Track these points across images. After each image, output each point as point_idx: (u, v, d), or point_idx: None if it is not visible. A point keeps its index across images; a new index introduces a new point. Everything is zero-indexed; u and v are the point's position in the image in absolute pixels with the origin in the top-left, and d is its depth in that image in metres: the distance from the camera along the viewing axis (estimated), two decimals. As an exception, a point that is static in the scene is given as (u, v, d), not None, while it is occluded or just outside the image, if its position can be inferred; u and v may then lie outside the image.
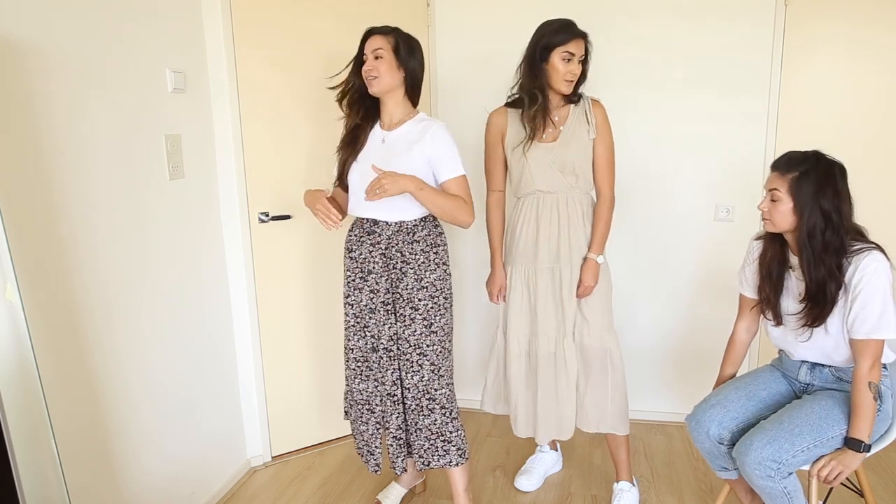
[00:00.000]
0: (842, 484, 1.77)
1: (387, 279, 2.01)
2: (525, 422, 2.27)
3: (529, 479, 2.46)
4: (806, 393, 1.87)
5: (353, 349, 2.09)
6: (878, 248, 1.67)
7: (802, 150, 1.74)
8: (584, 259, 2.15)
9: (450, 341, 2.06)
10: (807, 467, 1.72)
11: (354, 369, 2.11)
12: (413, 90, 2.00)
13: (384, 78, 1.92)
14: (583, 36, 2.06)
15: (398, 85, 1.96)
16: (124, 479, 1.92)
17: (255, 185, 2.44)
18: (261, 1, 2.33)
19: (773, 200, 1.73)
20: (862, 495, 1.90)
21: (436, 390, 2.02)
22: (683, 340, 2.92)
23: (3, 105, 1.49)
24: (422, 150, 1.93)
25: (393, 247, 1.99)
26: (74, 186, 1.71)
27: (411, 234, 1.98)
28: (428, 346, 2.00)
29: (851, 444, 1.66)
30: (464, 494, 2.16)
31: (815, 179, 1.66)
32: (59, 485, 1.39)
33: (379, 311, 2.03)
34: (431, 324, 2.00)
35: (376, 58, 1.92)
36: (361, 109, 2.04)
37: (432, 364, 2.01)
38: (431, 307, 1.99)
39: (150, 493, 2.02)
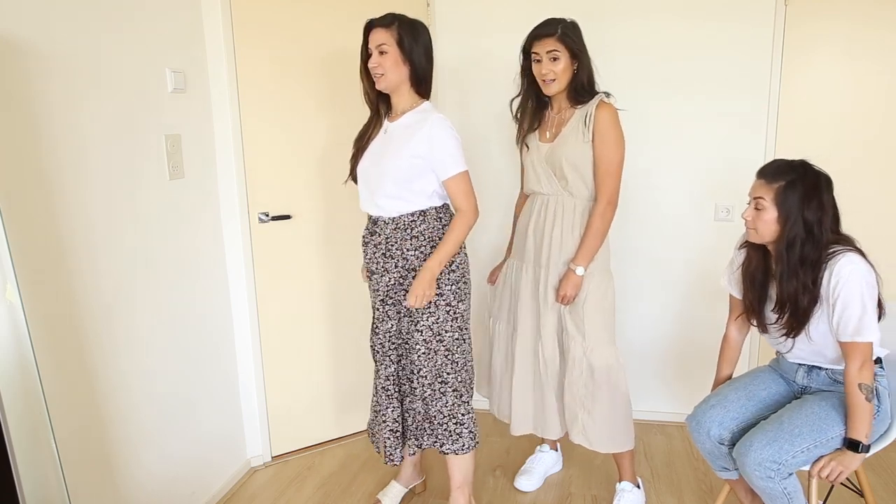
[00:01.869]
0: (842, 484, 1.77)
1: (388, 279, 2.01)
2: (502, 409, 2.32)
3: (529, 479, 2.46)
4: (805, 394, 1.87)
5: (370, 339, 2.15)
6: (856, 249, 1.67)
7: (789, 158, 1.74)
8: (566, 268, 2.11)
9: (466, 329, 2.05)
10: (807, 468, 1.72)
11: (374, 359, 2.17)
12: (419, 83, 1.94)
13: (390, 74, 1.89)
14: (549, 35, 1.99)
15: (404, 79, 1.92)
16: (124, 479, 1.92)
17: (255, 185, 2.44)
18: (261, 1, 2.33)
19: (757, 209, 1.72)
20: (862, 495, 1.90)
21: (448, 374, 2.03)
22: (683, 340, 2.92)
23: (3, 105, 1.49)
24: (413, 147, 1.89)
25: (392, 245, 1.98)
26: (74, 186, 1.70)
27: (409, 230, 1.97)
28: (447, 331, 2.00)
29: (850, 444, 1.66)
30: (458, 492, 2.16)
31: (801, 189, 1.66)
32: (59, 485, 1.39)
33: (379, 310, 2.05)
34: (418, 322, 1.99)
35: (381, 53, 1.88)
36: (376, 104, 2.02)
37: (447, 349, 2.01)
38: (448, 292, 1.98)
39: (150, 493, 2.02)
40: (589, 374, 2.11)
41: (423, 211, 1.97)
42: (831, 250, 1.66)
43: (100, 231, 1.80)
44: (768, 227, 1.71)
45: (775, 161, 1.74)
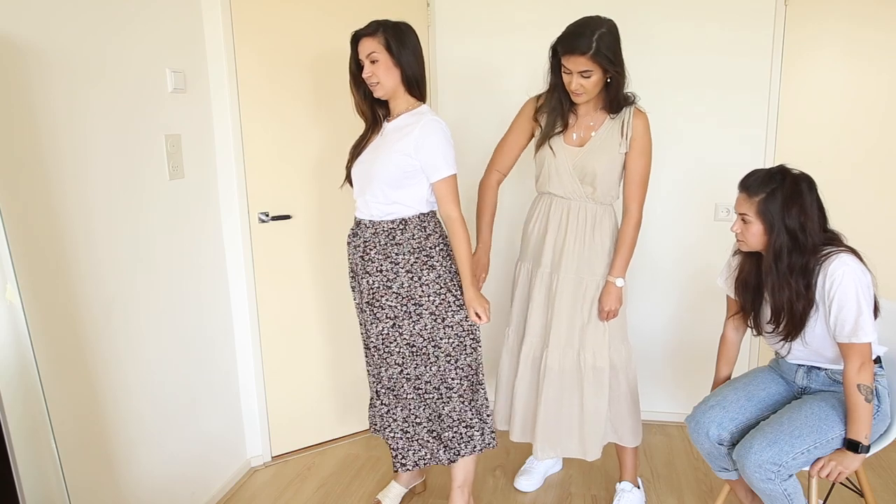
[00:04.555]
0: (842, 484, 1.77)
1: (370, 281, 2.00)
2: (521, 428, 2.27)
3: (529, 480, 2.46)
4: (805, 394, 1.87)
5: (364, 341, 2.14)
6: (849, 250, 1.67)
7: (767, 167, 1.75)
8: (605, 282, 2.07)
9: (471, 337, 2.03)
10: (807, 468, 1.72)
11: (365, 360, 2.16)
12: (411, 84, 1.93)
13: (384, 81, 1.89)
14: (582, 52, 1.83)
15: (398, 83, 1.92)
16: (124, 479, 1.92)
17: (255, 185, 2.44)
18: (261, 1, 2.33)
19: (744, 222, 1.74)
20: (862, 495, 1.90)
21: (452, 379, 2.03)
22: (683, 340, 2.92)
23: (3, 105, 1.49)
24: (404, 147, 1.89)
25: (371, 249, 1.98)
26: (75, 186, 1.70)
27: (392, 237, 1.95)
28: (442, 338, 1.99)
29: (850, 445, 1.66)
30: (457, 491, 2.16)
31: (781, 198, 1.67)
32: (59, 484, 1.39)
33: (365, 312, 2.05)
34: (444, 318, 1.98)
35: (372, 62, 1.88)
36: (371, 113, 2.02)
37: (448, 356, 2.01)
38: (440, 303, 1.97)
39: (150, 493, 2.02)
40: (609, 372, 2.11)
41: (404, 220, 1.95)
42: (824, 252, 1.67)
43: (100, 231, 1.80)
44: (757, 239, 1.73)
45: (754, 172, 1.74)
